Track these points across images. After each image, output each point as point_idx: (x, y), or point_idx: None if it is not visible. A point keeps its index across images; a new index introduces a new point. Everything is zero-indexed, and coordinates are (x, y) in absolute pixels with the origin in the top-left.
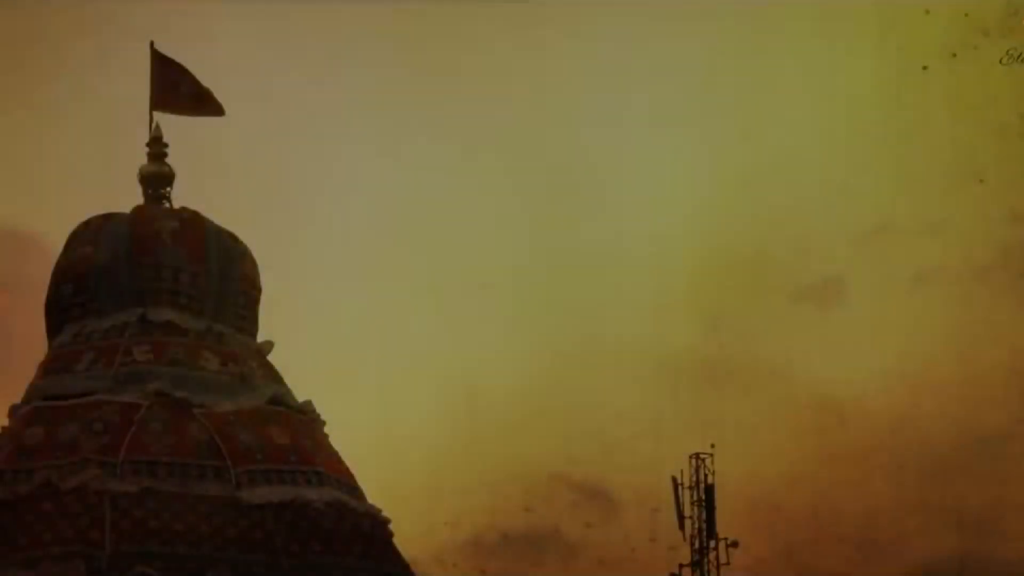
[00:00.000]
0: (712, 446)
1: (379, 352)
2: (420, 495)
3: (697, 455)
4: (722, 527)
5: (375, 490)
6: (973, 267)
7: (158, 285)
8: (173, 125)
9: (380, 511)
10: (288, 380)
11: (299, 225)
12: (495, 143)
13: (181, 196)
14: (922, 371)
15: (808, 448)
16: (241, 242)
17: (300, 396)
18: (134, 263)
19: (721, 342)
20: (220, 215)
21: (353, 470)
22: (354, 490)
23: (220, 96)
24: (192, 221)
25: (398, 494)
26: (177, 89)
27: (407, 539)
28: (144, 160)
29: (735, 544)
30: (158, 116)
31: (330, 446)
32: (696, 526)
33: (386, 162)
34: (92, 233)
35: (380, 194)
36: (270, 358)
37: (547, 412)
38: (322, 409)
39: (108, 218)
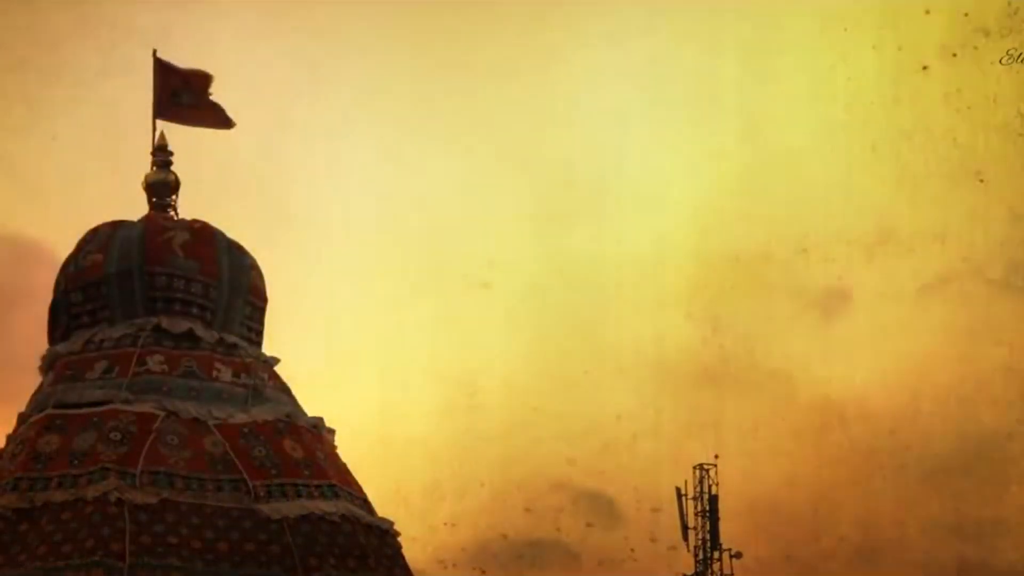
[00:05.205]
0: (715, 457)
1: (379, 352)
2: (420, 495)
3: (701, 466)
4: (723, 530)
5: (375, 491)
6: (973, 266)
7: (171, 295)
8: (177, 130)
9: (392, 524)
10: (287, 381)
11: (298, 226)
12: (495, 142)
13: (183, 197)
14: (922, 372)
15: (809, 450)
16: (249, 254)
17: (298, 395)
18: (146, 272)
19: (722, 344)
20: (220, 216)
21: (353, 471)
22: (365, 503)
23: (222, 99)
24: (203, 232)
25: (398, 494)
26: (179, 100)
27: (407, 540)
28: (148, 165)
29: (738, 555)
30: (162, 123)
31: (340, 458)
32: (700, 536)
33: (387, 163)
34: (101, 241)
35: (380, 194)
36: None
37: (547, 413)
38: (321, 410)
39: (117, 226)
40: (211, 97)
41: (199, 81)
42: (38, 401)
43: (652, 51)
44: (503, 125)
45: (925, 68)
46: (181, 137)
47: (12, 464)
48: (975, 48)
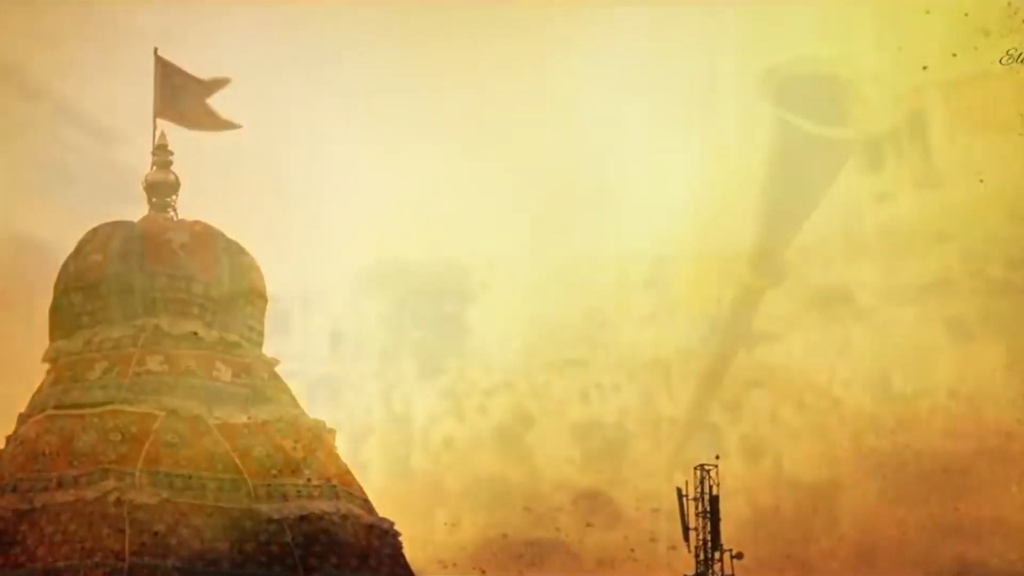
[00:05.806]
0: (716, 457)
1: (379, 352)
2: (421, 495)
3: (702, 466)
4: (724, 530)
5: (377, 491)
6: (973, 266)
7: (171, 296)
8: (177, 130)
9: (392, 523)
10: (290, 381)
11: (298, 226)
12: (496, 143)
13: (184, 197)
14: (922, 372)
15: (809, 450)
16: (249, 254)
17: (300, 394)
18: (146, 273)
19: (722, 344)
20: (220, 216)
21: (355, 471)
22: (366, 502)
23: (223, 99)
24: (203, 234)
25: (398, 495)
26: (179, 101)
27: (408, 539)
28: (148, 165)
29: (739, 556)
30: (163, 122)
31: (340, 459)
32: (701, 537)
33: (387, 163)
34: (101, 242)
35: (381, 195)
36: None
37: (547, 413)
38: (322, 411)
39: (117, 227)
40: (211, 100)
41: (205, 85)
42: (38, 402)
43: (652, 51)
44: (503, 125)
45: (925, 68)
46: (181, 137)
47: (12, 465)
48: (975, 48)
